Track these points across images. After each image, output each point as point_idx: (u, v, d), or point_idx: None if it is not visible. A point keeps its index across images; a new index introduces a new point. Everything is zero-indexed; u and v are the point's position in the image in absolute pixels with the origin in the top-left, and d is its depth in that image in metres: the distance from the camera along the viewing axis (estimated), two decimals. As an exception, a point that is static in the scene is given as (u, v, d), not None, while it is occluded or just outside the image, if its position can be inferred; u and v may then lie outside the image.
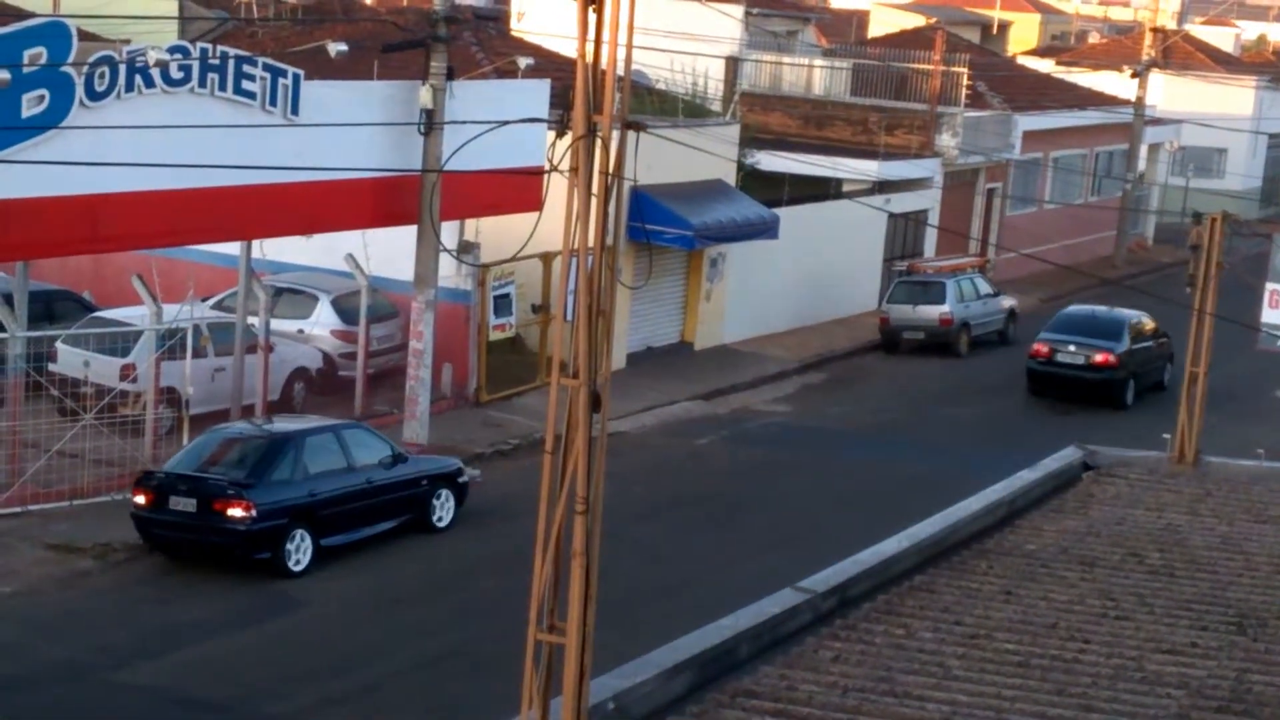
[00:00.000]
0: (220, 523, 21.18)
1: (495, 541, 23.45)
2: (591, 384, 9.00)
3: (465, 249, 29.35)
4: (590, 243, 9.04)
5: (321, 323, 29.92)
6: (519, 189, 25.82)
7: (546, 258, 30.71)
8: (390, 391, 28.82)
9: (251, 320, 26.84)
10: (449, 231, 28.48)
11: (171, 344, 24.56)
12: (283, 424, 23.30)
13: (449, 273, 28.66)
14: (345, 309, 29.68)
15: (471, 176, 25.35)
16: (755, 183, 39.00)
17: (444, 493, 23.89)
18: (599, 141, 8.97)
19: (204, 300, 28.20)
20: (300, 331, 29.47)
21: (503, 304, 31.00)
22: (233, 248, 27.38)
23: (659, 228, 32.95)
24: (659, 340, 35.96)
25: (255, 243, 27.13)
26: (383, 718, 17.73)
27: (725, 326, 37.54)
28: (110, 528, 22.33)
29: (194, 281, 27.34)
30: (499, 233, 29.27)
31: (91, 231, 22.59)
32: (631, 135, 9.51)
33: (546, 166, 9.66)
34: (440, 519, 23.82)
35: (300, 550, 21.67)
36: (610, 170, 9.02)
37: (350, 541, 22.45)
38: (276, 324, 27.54)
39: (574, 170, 9.00)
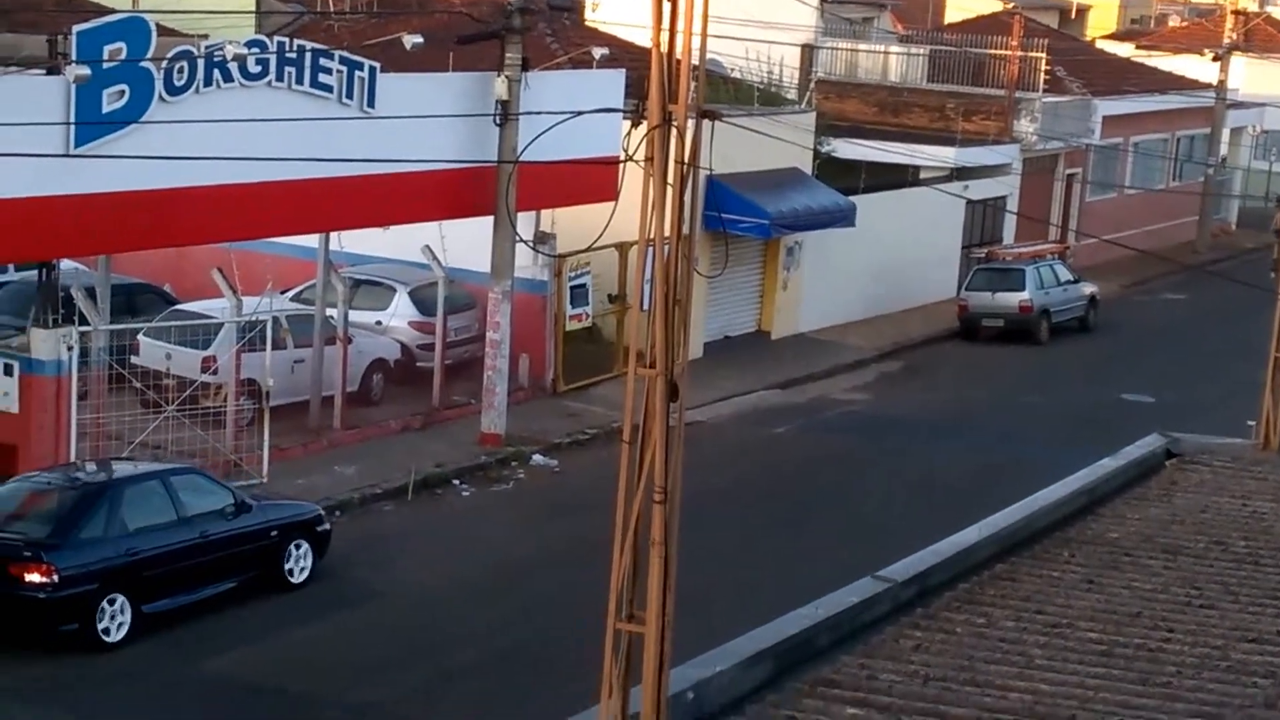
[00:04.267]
0: (16, 589, 18.28)
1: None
2: (669, 373, 8.97)
3: (541, 239, 29.40)
4: (666, 232, 9.02)
5: (399, 314, 30.06)
6: (594, 179, 25.79)
7: (622, 247, 30.71)
8: (468, 382, 28.91)
9: (330, 312, 27.01)
10: (525, 222, 28.54)
11: (251, 336, 24.75)
12: (99, 471, 20.44)
13: (525, 263, 28.73)
14: (423, 300, 29.80)
15: (547, 167, 25.34)
16: (831, 170, 38.83)
17: (299, 544, 21.00)
18: (674, 131, 8.94)
19: (283, 293, 28.38)
20: (378, 323, 29.61)
21: (579, 294, 31.02)
22: (311, 240, 27.56)
23: (735, 217, 32.85)
24: (736, 329, 35.88)
25: (333, 235, 27.29)
26: None
27: (802, 315, 37.42)
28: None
29: (273, 274, 27.53)
30: (575, 223, 29.28)
31: (171, 225, 22.79)
32: (707, 124, 9.47)
33: (622, 156, 9.65)
34: (292, 572, 20.87)
35: (116, 619, 18.81)
36: (686, 159, 8.99)
37: (179, 606, 19.66)
38: (355, 316, 27.69)
39: (649, 160, 8.97)
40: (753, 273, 36.35)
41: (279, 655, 19.08)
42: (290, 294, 29.13)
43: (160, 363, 25.16)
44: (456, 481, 25.82)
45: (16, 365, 22.27)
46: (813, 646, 11.00)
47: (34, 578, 18.27)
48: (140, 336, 25.51)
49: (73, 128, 20.78)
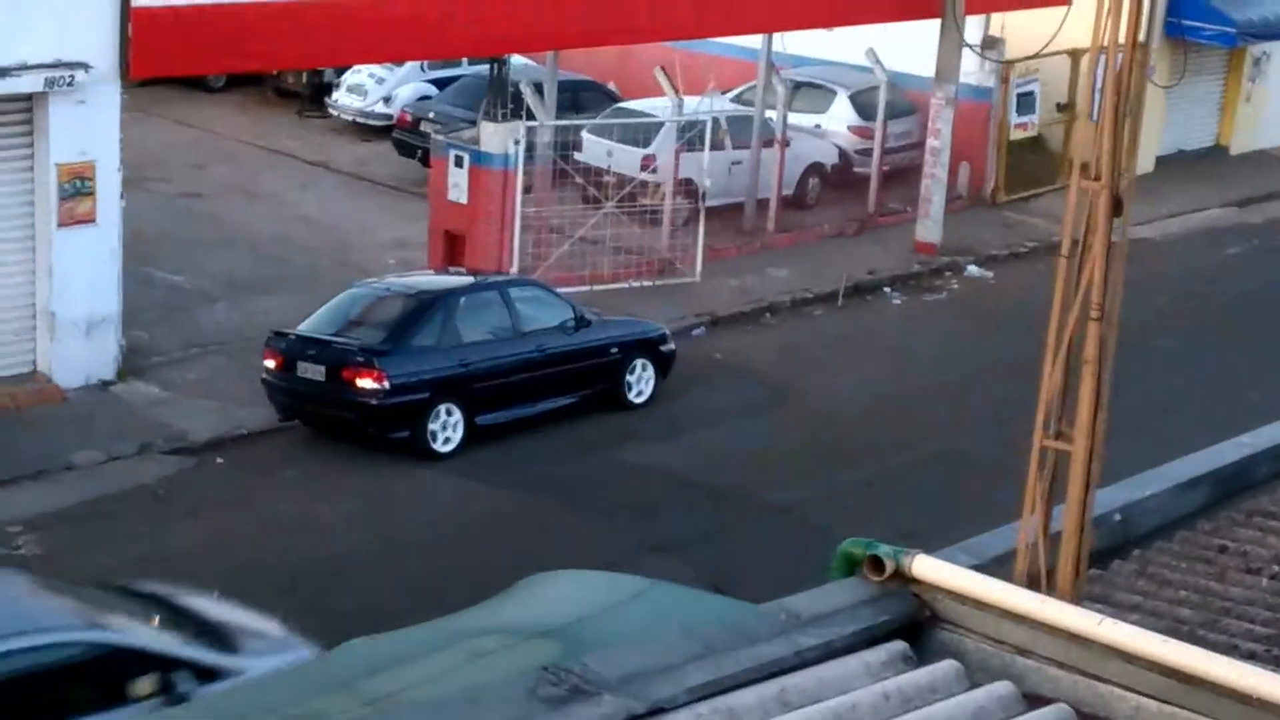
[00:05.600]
0: (348, 394, 18.38)
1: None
2: (1114, 187, 8.62)
3: (989, 44, 28.57)
4: (1121, 39, 8.61)
5: (839, 118, 29.79)
6: (1047, -18, 24.86)
7: (1074, 54, 29.58)
8: (905, 189, 28.52)
9: (769, 114, 26.96)
10: (973, 26, 27.75)
11: (691, 136, 24.93)
12: (437, 280, 20.26)
13: (971, 69, 28.00)
14: (863, 104, 29.43)
15: (998, -31, 24.56)
16: (1306, -24, 36.39)
17: (641, 363, 20.36)
18: (1134, -73, 8.46)
19: (723, 93, 28.44)
20: (817, 126, 29.43)
21: (1025, 102, 30.13)
22: (754, 41, 27.45)
23: (1197, 24, 31.21)
24: (1191, 143, 34.28)
25: (775, 36, 27.12)
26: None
27: (1266, 130, 35.43)
28: (627, 314, 23.03)
29: (714, 74, 27.60)
30: (1024, 28, 28.31)
31: (613, 24, 23.02)
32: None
33: (1076, -45, 9.19)
34: (639, 394, 20.34)
35: (448, 428, 18.69)
36: (1145, -42, 8.51)
37: (511, 420, 19.29)
38: (794, 118, 27.58)
39: (1105, -42, 8.52)
40: (1213, 84, 34.55)
41: (688, 454, 19.46)
42: (730, 95, 29.17)
43: (602, 160, 25.65)
44: (888, 289, 25.66)
45: (467, 157, 23.03)
46: (1251, 475, 10.55)
47: (365, 383, 18.26)
48: (584, 133, 26.02)
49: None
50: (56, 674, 11.01)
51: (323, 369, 18.48)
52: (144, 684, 10.99)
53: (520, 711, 4.63)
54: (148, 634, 11.55)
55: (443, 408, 18.61)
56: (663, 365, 20.66)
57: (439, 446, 18.62)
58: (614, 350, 20.16)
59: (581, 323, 19.97)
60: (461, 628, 6.89)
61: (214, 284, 23.03)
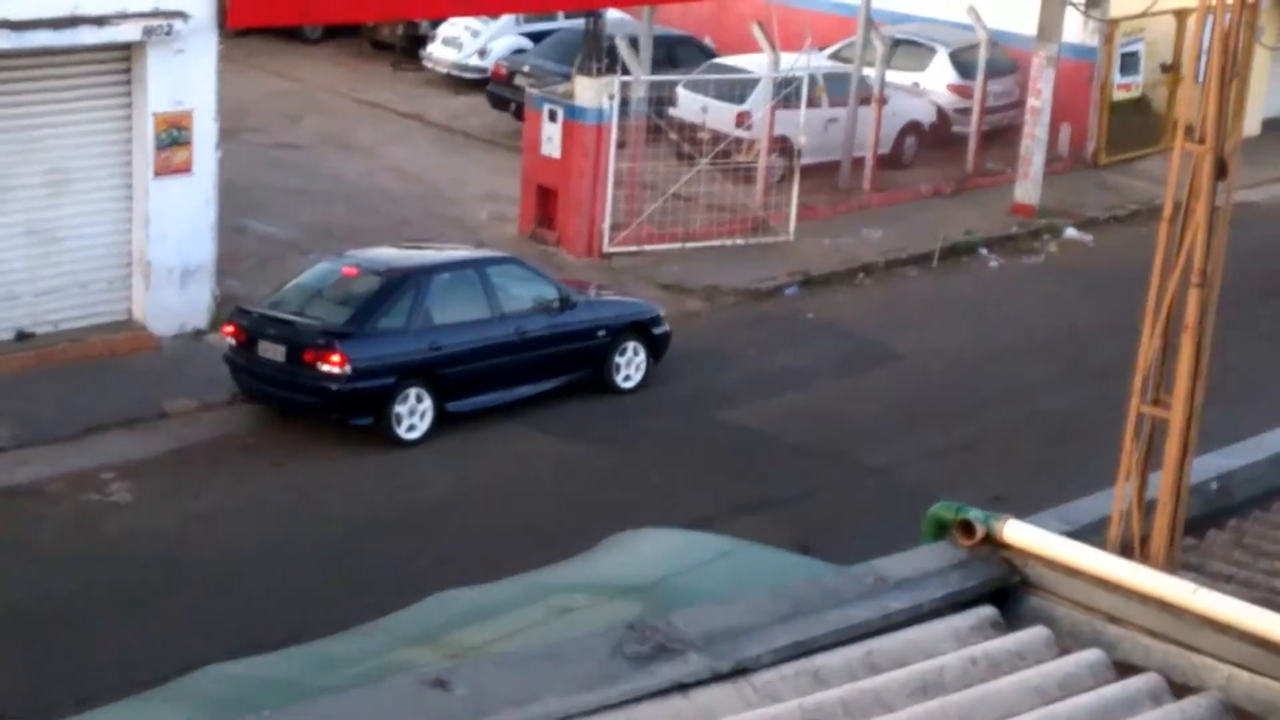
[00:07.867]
0: (308, 378, 17.37)
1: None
2: (1219, 150, 8.46)
3: (1093, 3, 28.16)
4: (1228, -4, 8.43)
5: (938, 76, 29.47)
6: (1153, -60, 24.47)
7: (1181, 14, 29.09)
8: (1003, 150, 28.20)
9: (867, 71, 26.71)
10: (1075, -16, 27.37)
11: (787, 93, 24.75)
12: (410, 258, 18.91)
13: (1074, 28, 27.61)
14: (963, 63, 29.09)
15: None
16: None
17: (632, 346, 19.33)
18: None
19: (821, 50, 28.20)
20: (915, 84, 29.14)
21: (1129, 62, 29.68)
22: (853, -3, 27.22)
23: (1305, -15, 30.62)
24: (1297, 106, 33.69)
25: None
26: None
27: (1374, 94, 34.76)
28: (719, 272, 22.97)
29: (812, 30, 27.37)
30: (1129, -13, 27.92)
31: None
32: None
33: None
34: (627, 378, 19.30)
35: (415, 415, 17.68)
36: (1256, -86, 8.31)
37: (485, 406, 18.27)
38: (892, 76, 27.31)
39: (1215, -86, 8.33)
40: (1320, 46, 33.92)
41: (801, 410, 19.37)
42: (828, 51, 28.91)
43: (696, 115, 25.52)
44: (984, 250, 25.40)
45: (561, 112, 22.98)
46: (1354, 448, 10.36)
47: (325, 367, 17.27)
48: (679, 89, 25.89)
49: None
50: None
51: (283, 349, 17.53)
52: None
53: (605, 668, 4.60)
54: None
55: (410, 393, 17.65)
56: (655, 348, 19.58)
57: (404, 434, 17.67)
58: (601, 333, 19.11)
59: (567, 303, 18.91)
60: (547, 584, 6.88)
61: (307, 235, 23.13)
